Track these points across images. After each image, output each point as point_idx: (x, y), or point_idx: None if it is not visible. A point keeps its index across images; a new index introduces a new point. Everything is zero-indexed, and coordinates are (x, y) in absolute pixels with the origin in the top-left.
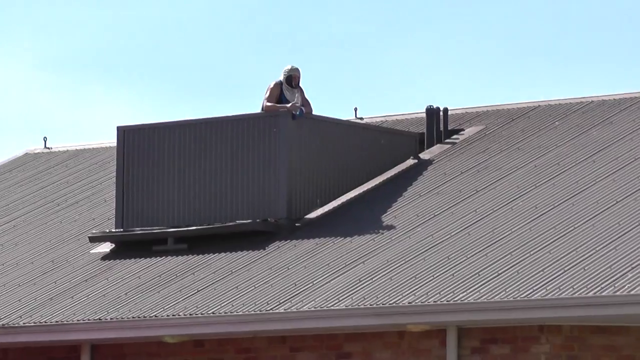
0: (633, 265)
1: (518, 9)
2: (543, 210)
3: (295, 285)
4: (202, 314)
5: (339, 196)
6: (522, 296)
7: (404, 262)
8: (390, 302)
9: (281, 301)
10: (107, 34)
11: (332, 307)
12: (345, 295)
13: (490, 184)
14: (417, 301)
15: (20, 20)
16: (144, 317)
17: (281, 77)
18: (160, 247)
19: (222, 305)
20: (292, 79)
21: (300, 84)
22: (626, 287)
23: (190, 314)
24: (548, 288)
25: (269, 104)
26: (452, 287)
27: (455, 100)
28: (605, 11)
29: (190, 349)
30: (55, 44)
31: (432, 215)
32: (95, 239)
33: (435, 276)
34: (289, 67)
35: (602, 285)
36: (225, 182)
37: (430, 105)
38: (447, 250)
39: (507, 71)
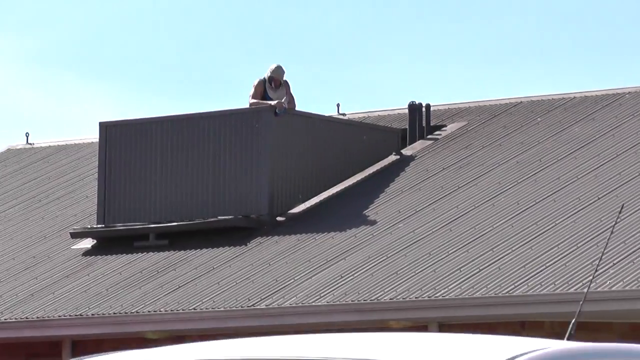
0: (614, 262)
1: (501, 6)
2: (525, 207)
3: (277, 281)
4: (183, 310)
5: (320, 192)
6: (503, 292)
7: (385, 258)
8: (372, 298)
9: (262, 297)
10: (90, 29)
11: (313, 303)
12: (327, 292)
13: (472, 180)
14: (398, 297)
15: (2, 15)
16: (125, 313)
17: (266, 75)
18: (142, 243)
19: (204, 301)
20: (272, 80)
21: (286, 78)
22: (607, 283)
23: (171, 310)
24: (530, 284)
25: (253, 100)
26: (433, 283)
27: (437, 96)
28: (588, 8)
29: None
30: (38, 40)
31: (414, 211)
32: (77, 235)
33: (416, 272)
34: (274, 66)
35: (584, 282)
36: (207, 178)
37: (412, 101)
38: (428, 246)
39: (489, 68)
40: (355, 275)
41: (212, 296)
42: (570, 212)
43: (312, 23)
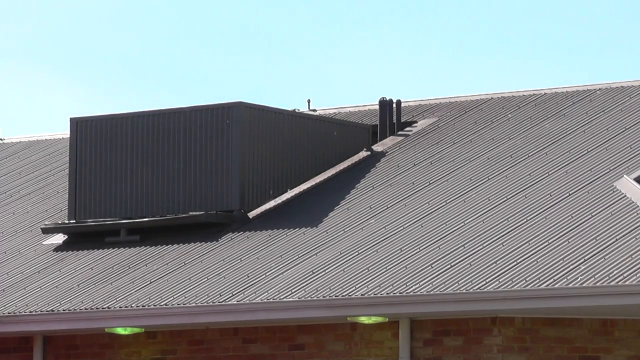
0: (585, 258)
1: (471, 2)
2: (496, 203)
3: (248, 276)
4: (154, 305)
5: (291, 188)
6: (474, 288)
7: (356, 254)
8: (343, 294)
9: (234, 293)
10: (61, 24)
11: (284, 299)
12: (298, 287)
13: (443, 176)
14: (369, 293)
15: None
16: (97, 308)
17: None
18: (113, 238)
19: (175, 296)
20: None
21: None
22: (578, 279)
23: (142, 306)
24: (501, 280)
25: None
26: (404, 279)
27: (408, 92)
28: (559, 5)
29: (142, 341)
30: (6, 34)
31: (385, 207)
32: (48, 231)
33: (388, 268)
34: None
35: (555, 278)
36: (178, 173)
37: (383, 97)
38: (400, 242)
39: (459, 63)
40: (327, 271)
41: (183, 292)
42: (542, 208)
43: (282, 18)
